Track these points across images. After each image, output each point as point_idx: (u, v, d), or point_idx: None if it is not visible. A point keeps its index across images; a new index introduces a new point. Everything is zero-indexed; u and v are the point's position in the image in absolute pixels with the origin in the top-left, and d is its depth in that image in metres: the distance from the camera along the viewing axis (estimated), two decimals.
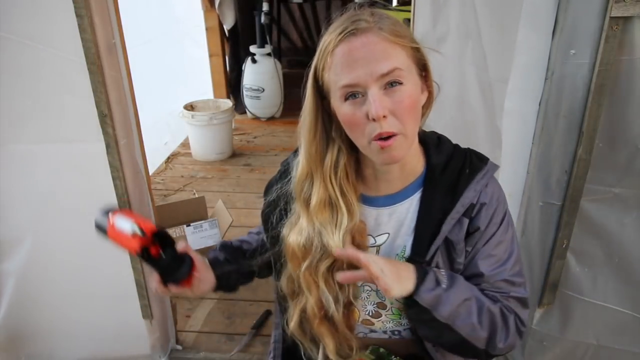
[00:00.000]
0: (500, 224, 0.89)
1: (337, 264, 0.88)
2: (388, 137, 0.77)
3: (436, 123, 1.67)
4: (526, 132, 1.31)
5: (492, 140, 1.38)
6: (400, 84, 0.77)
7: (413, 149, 0.88)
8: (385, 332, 0.97)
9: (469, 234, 0.88)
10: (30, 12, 1.23)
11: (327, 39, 0.79)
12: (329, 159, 0.87)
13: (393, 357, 0.99)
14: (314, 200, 0.87)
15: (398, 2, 4.56)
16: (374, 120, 0.76)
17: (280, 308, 1.02)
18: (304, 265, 0.88)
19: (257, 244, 1.09)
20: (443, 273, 0.85)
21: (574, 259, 1.36)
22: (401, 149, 0.79)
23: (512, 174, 1.36)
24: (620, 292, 1.35)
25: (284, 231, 0.92)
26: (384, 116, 0.75)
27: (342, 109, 0.80)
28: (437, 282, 0.82)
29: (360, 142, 0.81)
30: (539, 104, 1.26)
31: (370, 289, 0.94)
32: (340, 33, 0.77)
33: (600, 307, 1.37)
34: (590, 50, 1.14)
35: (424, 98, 0.85)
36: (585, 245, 1.33)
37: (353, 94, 0.78)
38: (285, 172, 0.97)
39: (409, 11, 2.05)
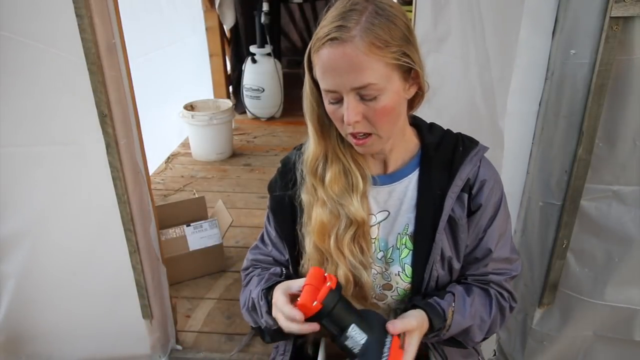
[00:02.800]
0: (500, 202, 0.95)
1: (359, 232, 0.91)
2: (362, 135, 0.84)
3: (436, 123, 1.67)
4: (526, 132, 1.31)
5: (494, 140, 1.38)
6: (374, 98, 0.79)
7: (403, 133, 0.93)
8: (389, 312, 0.99)
9: (471, 212, 0.92)
10: (30, 12, 1.23)
11: (318, 33, 0.80)
12: (335, 132, 0.91)
13: None
14: (329, 175, 0.91)
15: (398, 2, 4.56)
16: (348, 124, 0.81)
17: None
18: (332, 237, 0.91)
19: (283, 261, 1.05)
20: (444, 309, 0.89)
21: (574, 259, 1.36)
22: (375, 145, 0.87)
23: (512, 174, 1.36)
24: (620, 292, 1.35)
25: (304, 198, 0.94)
26: (357, 121, 0.81)
27: (325, 102, 0.85)
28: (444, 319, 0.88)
29: (341, 131, 0.88)
30: (539, 104, 1.26)
31: (375, 272, 0.96)
32: (325, 35, 0.78)
33: (600, 306, 1.37)
34: (590, 50, 1.14)
35: (411, 92, 0.87)
36: (585, 245, 1.33)
37: (333, 96, 0.82)
38: (285, 168, 0.99)
39: (410, 11, 2.04)
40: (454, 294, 0.91)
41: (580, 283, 1.37)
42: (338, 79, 0.79)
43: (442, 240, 0.91)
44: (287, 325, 0.80)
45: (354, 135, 0.84)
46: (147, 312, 1.63)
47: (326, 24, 0.80)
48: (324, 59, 0.79)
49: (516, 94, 1.27)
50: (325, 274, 0.80)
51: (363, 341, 0.76)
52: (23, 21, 1.23)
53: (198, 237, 2.25)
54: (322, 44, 0.79)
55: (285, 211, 0.97)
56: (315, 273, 0.79)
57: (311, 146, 0.93)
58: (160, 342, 1.75)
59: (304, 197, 0.94)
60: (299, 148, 1.00)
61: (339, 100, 0.82)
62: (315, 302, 0.76)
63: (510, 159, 1.34)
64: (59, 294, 1.60)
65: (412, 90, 0.87)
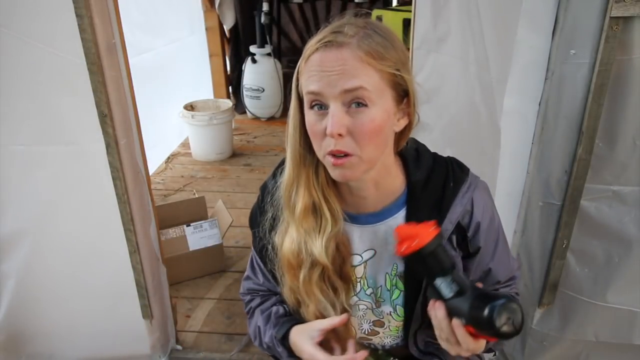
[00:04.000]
0: (498, 233, 0.92)
1: (327, 271, 0.87)
2: (341, 155, 0.76)
3: (436, 123, 1.68)
4: (526, 132, 1.31)
5: (494, 140, 1.39)
6: (365, 105, 0.74)
7: (388, 167, 0.86)
8: (383, 346, 0.99)
9: (470, 254, 0.90)
10: (30, 12, 1.23)
11: (309, 44, 0.79)
12: (311, 163, 0.85)
13: (392, 358, 0.99)
14: (298, 207, 0.85)
15: (398, 2, 4.56)
16: (331, 136, 0.75)
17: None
18: (301, 275, 0.87)
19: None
20: None
21: (574, 259, 1.36)
22: (354, 170, 0.78)
23: (512, 174, 1.36)
24: (620, 292, 1.35)
25: (277, 240, 0.90)
26: (340, 134, 0.74)
27: (307, 116, 0.79)
28: None
29: (318, 153, 0.80)
30: (539, 104, 1.26)
31: (365, 307, 0.94)
32: (318, 41, 0.76)
33: (600, 307, 1.37)
34: (590, 50, 1.14)
35: (400, 125, 0.82)
36: (585, 245, 1.33)
37: (318, 104, 0.76)
38: (263, 201, 0.95)
39: (410, 11, 2.04)
40: None
41: (580, 283, 1.37)
42: (326, 80, 0.74)
43: None
44: None
45: (332, 154, 0.76)
46: (147, 312, 1.63)
47: (317, 36, 0.77)
48: (315, 62, 0.75)
49: (516, 94, 1.27)
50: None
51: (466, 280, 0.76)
52: (23, 21, 1.23)
53: (198, 237, 2.24)
54: (314, 50, 0.76)
55: (267, 252, 0.94)
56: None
57: (286, 173, 0.87)
58: (160, 342, 1.75)
59: (277, 239, 0.90)
60: (274, 175, 0.95)
61: (322, 109, 0.76)
62: (432, 228, 0.75)
63: (510, 158, 1.34)
64: (59, 293, 1.60)
65: (402, 123, 0.82)
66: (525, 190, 1.37)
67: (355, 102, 0.74)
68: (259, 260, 1.00)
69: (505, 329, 0.68)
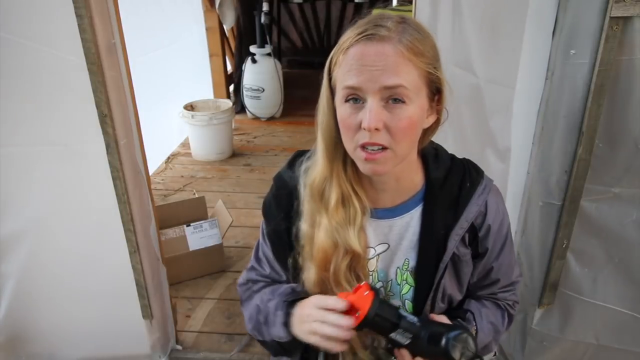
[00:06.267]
0: (506, 237, 0.93)
1: (354, 261, 0.88)
2: (376, 149, 0.76)
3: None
4: (526, 132, 1.31)
5: (481, 140, 1.39)
6: (403, 102, 0.74)
7: (411, 163, 0.87)
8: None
9: (478, 253, 0.91)
10: (30, 13, 1.23)
11: (347, 36, 0.77)
12: (341, 156, 0.85)
13: (393, 358, 0.99)
14: (332, 199, 0.86)
15: (398, 2, 4.56)
16: (368, 129, 0.75)
17: None
18: (332, 266, 0.88)
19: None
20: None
21: (574, 259, 1.36)
22: (387, 164, 0.78)
23: (512, 174, 1.36)
24: (620, 292, 1.35)
25: (305, 231, 0.89)
26: (377, 129, 0.74)
27: (340, 109, 0.79)
28: None
29: (348, 146, 0.80)
30: (539, 104, 1.26)
31: None
32: (359, 34, 0.75)
33: (600, 307, 1.37)
34: (590, 50, 1.14)
35: (429, 121, 0.83)
36: (585, 245, 1.33)
37: (354, 97, 0.76)
38: (279, 192, 0.94)
39: (410, 11, 2.04)
40: (473, 313, 0.94)
41: (580, 283, 1.37)
42: (367, 75, 0.73)
43: (444, 278, 0.90)
44: (331, 331, 0.79)
45: (365, 147, 0.76)
46: (147, 312, 1.63)
47: (355, 28, 0.76)
48: (355, 55, 0.74)
49: (516, 94, 1.27)
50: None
51: (417, 321, 0.81)
52: (23, 22, 1.23)
53: (198, 237, 2.25)
54: (354, 41, 0.74)
55: (283, 240, 0.94)
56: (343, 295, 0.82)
57: (320, 166, 0.86)
58: (160, 342, 1.75)
59: (304, 227, 0.89)
60: (290, 166, 0.94)
61: (358, 103, 0.76)
62: (366, 292, 0.78)
63: (510, 159, 1.34)
64: (59, 293, 1.60)
65: (431, 119, 0.83)
66: (525, 190, 1.37)
67: (393, 98, 0.74)
68: (267, 251, 1.00)
69: (462, 358, 0.77)
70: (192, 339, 1.94)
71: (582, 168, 1.23)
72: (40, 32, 1.25)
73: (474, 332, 0.91)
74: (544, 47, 1.20)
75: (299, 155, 0.94)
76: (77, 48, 1.25)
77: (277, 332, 0.91)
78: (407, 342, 0.80)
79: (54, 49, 1.26)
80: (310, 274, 0.90)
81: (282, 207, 0.93)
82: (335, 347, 0.80)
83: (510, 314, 1.01)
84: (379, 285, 0.94)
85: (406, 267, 0.92)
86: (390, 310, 0.80)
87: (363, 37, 0.74)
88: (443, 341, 0.77)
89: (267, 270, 1.01)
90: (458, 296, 0.95)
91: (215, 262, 2.31)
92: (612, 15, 1.08)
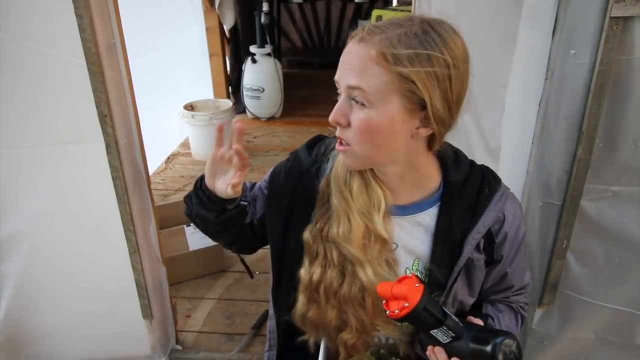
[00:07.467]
0: (521, 243, 0.94)
1: (385, 248, 0.88)
2: (343, 143, 0.80)
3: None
4: (526, 132, 1.31)
5: (479, 139, 1.39)
6: (362, 104, 0.76)
7: (418, 165, 0.86)
8: (388, 339, 1.00)
9: (493, 260, 0.92)
10: (30, 13, 1.23)
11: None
12: None
13: (393, 358, 0.99)
14: (355, 187, 0.87)
15: (398, 2, 4.56)
16: (331, 122, 0.80)
17: (278, 299, 1.02)
18: (366, 249, 0.87)
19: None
20: None
21: (574, 259, 1.36)
22: (351, 160, 0.83)
23: (512, 174, 1.35)
24: (620, 292, 1.35)
25: (335, 202, 0.88)
26: (339, 123, 0.78)
27: None
28: None
29: None
30: (539, 104, 1.26)
31: None
32: (354, 33, 0.78)
33: (600, 307, 1.37)
34: (590, 50, 1.14)
35: (421, 134, 0.79)
36: (585, 245, 1.33)
37: (340, 92, 0.80)
38: (292, 170, 0.97)
39: (410, 11, 2.05)
40: (493, 318, 0.95)
41: (580, 283, 1.37)
42: (341, 72, 0.78)
43: (457, 282, 0.89)
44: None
45: (338, 138, 0.81)
46: (147, 312, 1.63)
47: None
48: (343, 52, 0.79)
49: (516, 94, 1.27)
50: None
51: (460, 322, 0.80)
52: (22, 22, 1.23)
53: (198, 237, 2.24)
54: (349, 40, 0.78)
55: (279, 214, 0.95)
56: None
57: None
58: (160, 342, 1.76)
59: (336, 201, 0.88)
60: (309, 147, 0.97)
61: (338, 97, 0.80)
62: (416, 284, 0.76)
63: (510, 159, 1.34)
64: (59, 294, 1.60)
65: (423, 132, 0.79)
66: (525, 190, 1.37)
67: (354, 98, 0.77)
68: (263, 188, 1.03)
69: None
70: (192, 339, 1.94)
71: (582, 168, 1.23)
72: (40, 32, 1.25)
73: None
74: (543, 47, 1.20)
75: (320, 139, 0.97)
76: (77, 48, 1.25)
77: (194, 192, 0.95)
78: (448, 341, 0.79)
79: (53, 49, 1.26)
80: (333, 256, 0.89)
81: (290, 181, 0.96)
82: (233, 180, 0.86)
83: (522, 316, 1.03)
84: None
85: (416, 267, 0.91)
86: (437, 306, 0.78)
87: (353, 36, 0.77)
88: (489, 346, 0.76)
89: (248, 195, 1.03)
90: (469, 301, 0.95)
91: (215, 262, 2.31)
92: (612, 15, 1.07)
